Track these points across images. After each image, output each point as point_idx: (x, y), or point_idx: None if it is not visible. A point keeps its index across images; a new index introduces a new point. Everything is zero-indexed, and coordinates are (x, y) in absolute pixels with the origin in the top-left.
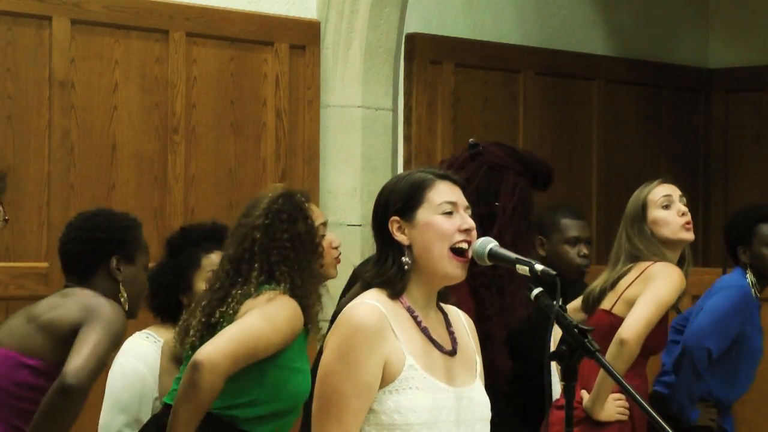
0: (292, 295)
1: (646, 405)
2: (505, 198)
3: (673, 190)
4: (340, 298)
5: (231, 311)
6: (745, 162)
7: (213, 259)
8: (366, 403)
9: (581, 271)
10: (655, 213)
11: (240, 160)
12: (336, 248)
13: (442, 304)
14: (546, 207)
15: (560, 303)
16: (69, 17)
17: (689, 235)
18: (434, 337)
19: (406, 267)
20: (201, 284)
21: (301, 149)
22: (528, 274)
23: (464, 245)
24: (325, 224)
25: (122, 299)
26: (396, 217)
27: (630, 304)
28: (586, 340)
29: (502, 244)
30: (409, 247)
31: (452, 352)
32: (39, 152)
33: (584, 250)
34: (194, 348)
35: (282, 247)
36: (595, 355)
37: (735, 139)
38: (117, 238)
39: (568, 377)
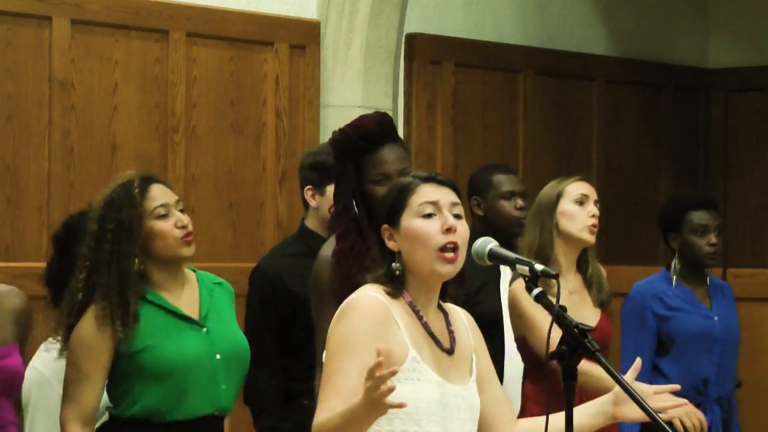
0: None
1: (645, 404)
2: None
3: (591, 191)
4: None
5: None
6: (745, 162)
7: None
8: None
9: (520, 224)
10: (567, 205)
11: (240, 160)
12: (182, 228)
13: (443, 304)
14: (478, 168)
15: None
16: (69, 17)
17: (590, 238)
18: (435, 333)
19: (397, 273)
20: None
21: (301, 149)
22: (528, 274)
23: (450, 245)
24: (165, 206)
25: None
26: (386, 225)
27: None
28: (585, 340)
29: None
30: (399, 253)
31: (450, 351)
32: (39, 152)
33: (520, 203)
34: None
35: (106, 239)
36: (595, 354)
37: (735, 139)
38: None
39: (568, 377)
